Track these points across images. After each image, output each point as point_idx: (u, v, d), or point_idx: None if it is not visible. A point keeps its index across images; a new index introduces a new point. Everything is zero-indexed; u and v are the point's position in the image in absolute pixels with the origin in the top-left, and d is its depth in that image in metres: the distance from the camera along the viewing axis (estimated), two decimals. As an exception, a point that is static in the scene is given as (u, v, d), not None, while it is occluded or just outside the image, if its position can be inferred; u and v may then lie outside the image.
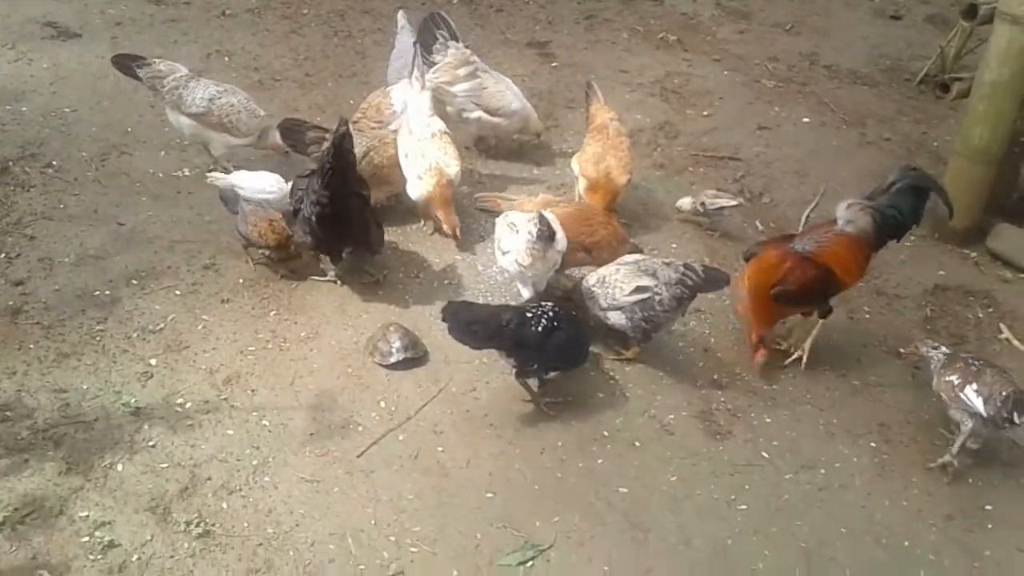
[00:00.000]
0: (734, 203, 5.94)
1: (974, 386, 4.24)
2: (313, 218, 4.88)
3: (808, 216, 6.24)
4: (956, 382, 4.30)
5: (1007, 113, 5.66)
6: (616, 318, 4.70)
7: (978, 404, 4.21)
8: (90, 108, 6.50)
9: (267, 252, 5.21)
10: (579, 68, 7.90)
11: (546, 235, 4.64)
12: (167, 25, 7.70)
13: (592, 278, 4.82)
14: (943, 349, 4.53)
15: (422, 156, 5.47)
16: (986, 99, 5.66)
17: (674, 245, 5.83)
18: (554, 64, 8.01)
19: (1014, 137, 5.86)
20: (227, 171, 5.72)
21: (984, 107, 5.68)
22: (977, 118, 5.74)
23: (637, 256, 4.87)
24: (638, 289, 4.61)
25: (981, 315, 5.49)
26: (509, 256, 4.80)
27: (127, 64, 5.82)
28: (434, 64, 6.25)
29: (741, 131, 7.21)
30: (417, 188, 5.49)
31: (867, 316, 5.43)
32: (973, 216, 6.00)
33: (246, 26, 7.88)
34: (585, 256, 5.15)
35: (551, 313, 4.40)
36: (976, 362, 4.36)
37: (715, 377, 4.85)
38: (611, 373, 4.78)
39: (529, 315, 4.39)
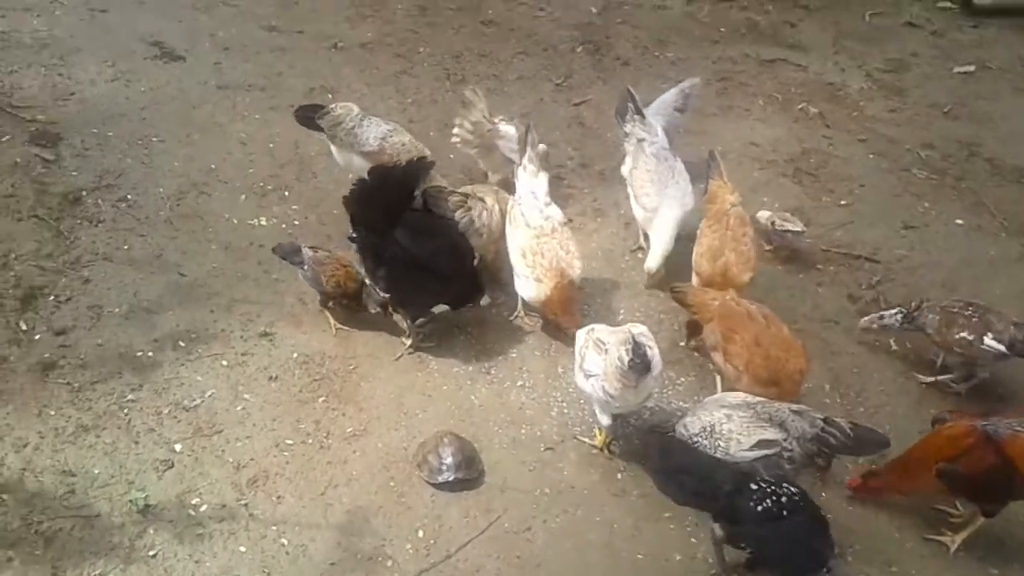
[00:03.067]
0: (798, 229, 5.70)
1: (990, 335, 4.67)
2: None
3: (950, 340, 5.35)
4: (971, 337, 4.69)
5: None
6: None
7: (1002, 347, 4.65)
8: (178, 140, 6.17)
9: (345, 301, 4.86)
10: (704, 136, 7.16)
11: (639, 366, 3.91)
12: (275, 54, 7.37)
13: (694, 426, 4.02)
14: (895, 311, 4.99)
15: (540, 255, 4.81)
16: None
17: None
18: (679, 130, 7.30)
19: None
20: None
21: None
22: None
23: (745, 397, 4.09)
24: (762, 443, 3.84)
25: None
26: (595, 381, 4.08)
27: (308, 116, 5.60)
28: (627, 135, 5.81)
29: (882, 228, 6.34)
30: (534, 291, 4.83)
31: None
32: None
33: (356, 61, 7.48)
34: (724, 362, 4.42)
35: (783, 498, 3.62)
36: (968, 310, 4.80)
37: (820, 545, 4.05)
38: (693, 529, 4.05)
39: (754, 488, 3.66)
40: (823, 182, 6.80)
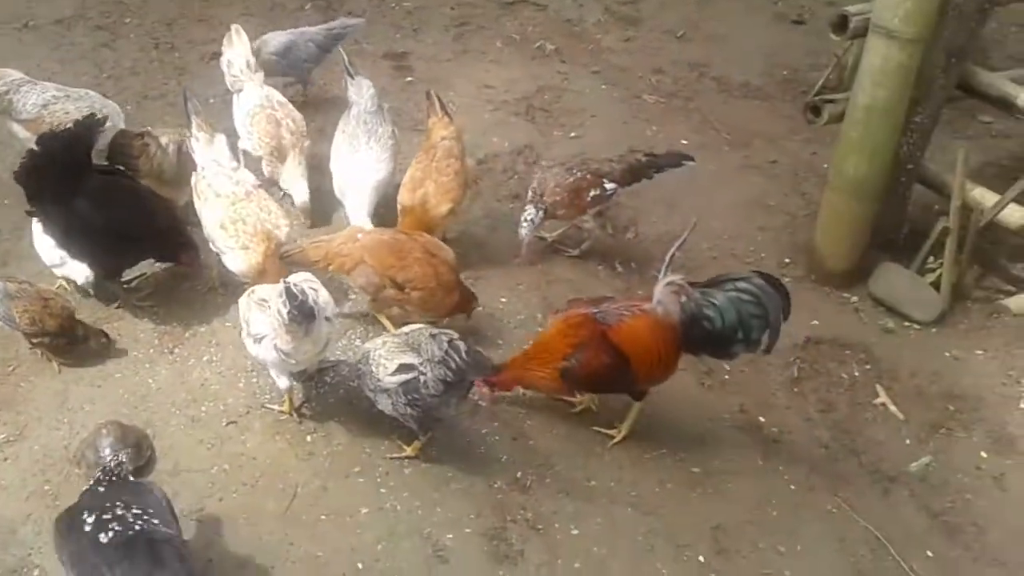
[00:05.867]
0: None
1: (606, 180, 5.09)
2: None
3: (673, 255, 5.35)
4: (598, 192, 5.09)
5: (885, 141, 4.80)
6: (384, 404, 3.78)
7: (615, 185, 5.11)
8: None
9: (47, 340, 4.20)
10: (437, 83, 6.91)
11: (298, 314, 3.60)
12: (-47, 40, 6.69)
13: (358, 354, 3.91)
14: (531, 209, 4.97)
15: (242, 222, 4.43)
16: (860, 125, 4.79)
17: (503, 299, 4.95)
18: (409, 79, 7.09)
19: (899, 166, 5.03)
20: None
21: (858, 135, 4.81)
22: (851, 147, 4.87)
23: (414, 326, 3.93)
24: (401, 368, 3.67)
25: (857, 374, 4.68)
26: (265, 343, 3.78)
27: None
28: None
29: (610, 154, 6.22)
30: (245, 261, 4.42)
31: (726, 378, 4.59)
32: (853, 257, 5.16)
33: (49, 39, 6.89)
34: (398, 296, 4.34)
35: None
36: (577, 174, 5.06)
37: (519, 475, 3.95)
38: (383, 479, 3.86)
39: None
40: (555, 117, 6.74)
